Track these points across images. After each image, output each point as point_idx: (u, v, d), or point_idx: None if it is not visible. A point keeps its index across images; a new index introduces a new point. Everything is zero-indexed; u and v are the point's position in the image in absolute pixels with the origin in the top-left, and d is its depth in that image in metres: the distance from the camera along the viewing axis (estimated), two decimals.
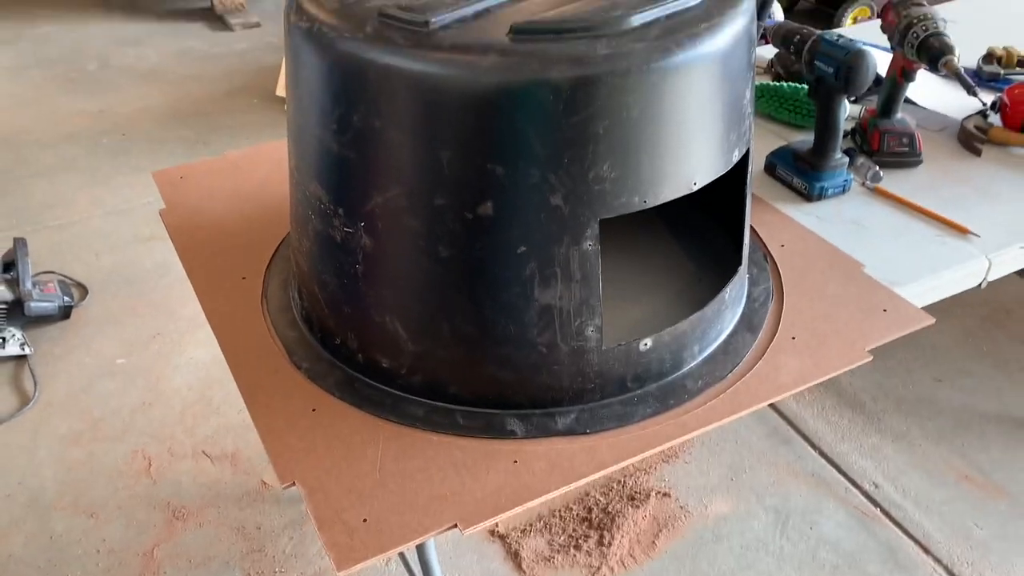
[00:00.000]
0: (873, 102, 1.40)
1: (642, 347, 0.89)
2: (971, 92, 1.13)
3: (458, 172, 0.79)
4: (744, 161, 0.92)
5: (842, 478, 1.78)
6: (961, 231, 1.19)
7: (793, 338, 0.99)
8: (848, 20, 3.43)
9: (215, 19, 4.11)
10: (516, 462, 0.85)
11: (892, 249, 1.15)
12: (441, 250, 0.83)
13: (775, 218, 1.20)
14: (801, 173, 1.26)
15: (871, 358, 0.97)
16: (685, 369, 0.94)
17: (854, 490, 1.75)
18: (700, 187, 0.85)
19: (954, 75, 1.16)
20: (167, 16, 4.21)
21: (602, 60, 0.75)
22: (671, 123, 0.80)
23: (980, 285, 1.17)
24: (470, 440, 0.86)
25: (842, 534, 1.66)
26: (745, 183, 0.96)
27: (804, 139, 1.29)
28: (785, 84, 1.47)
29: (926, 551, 1.63)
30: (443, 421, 0.89)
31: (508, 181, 0.78)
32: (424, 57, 0.75)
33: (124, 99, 3.36)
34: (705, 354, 0.96)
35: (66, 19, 4.17)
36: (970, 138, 1.38)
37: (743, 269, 1.00)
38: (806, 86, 1.40)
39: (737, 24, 0.83)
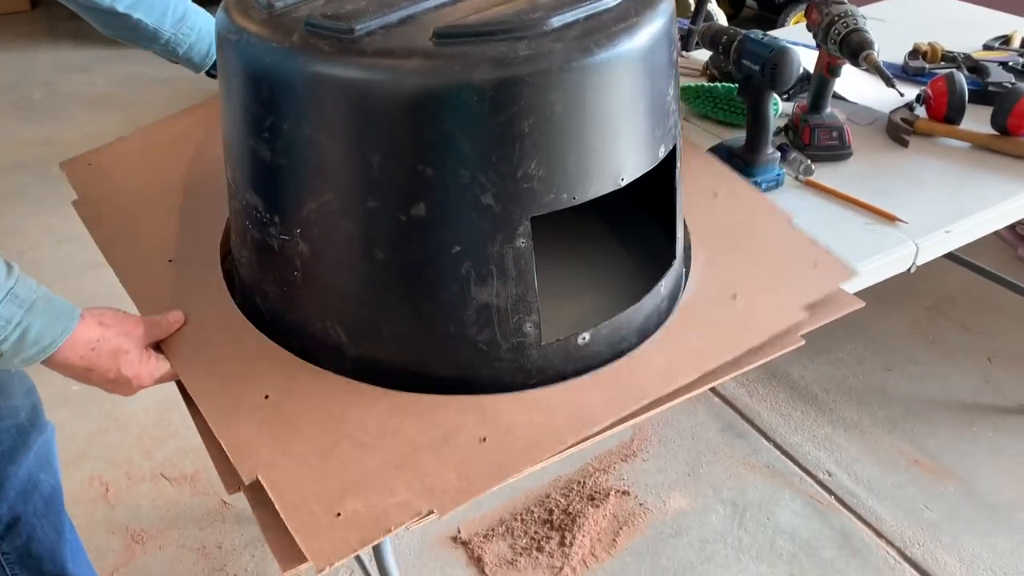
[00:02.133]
0: (805, 99, 1.45)
1: (580, 341, 0.91)
2: (889, 84, 1.17)
3: (389, 175, 0.81)
4: (672, 156, 0.95)
5: (797, 468, 1.82)
6: (889, 219, 1.23)
7: (734, 296, 1.01)
8: (790, 23, 3.52)
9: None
10: (484, 440, 0.85)
11: (824, 238, 1.18)
12: (377, 252, 0.84)
13: (706, 168, 1.23)
14: (736, 169, 1.29)
15: (808, 316, 0.99)
16: (625, 355, 0.96)
17: (808, 480, 1.79)
18: (628, 183, 0.88)
19: (874, 68, 1.20)
20: (115, 42, 4.17)
21: (523, 61, 0.77)
22: (595, 120, 0.83)
23: (909, 269, 1.21)
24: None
25: (798, 523, 1.69)
26: (675, 177, 0.98)
27: (739, 137, 1.33)
28: (719, 84, 1.51)
29: (879, 535, 1.67)
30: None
31: (439, 182, 0.80)
32: (349, 63, 0.77)
33: (73, 126, 3.34)
34: (645, 338, 0.98)
35: (11, 47, 4.14)
36: (897, 130, 1.43)
37: (678, 262, 1.02)
38: (735, 85, 1.44)
39: (655, 24, 0.86)
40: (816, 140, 1.36)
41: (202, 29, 1.23)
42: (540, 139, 0.80)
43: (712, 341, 0.96)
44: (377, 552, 1.09)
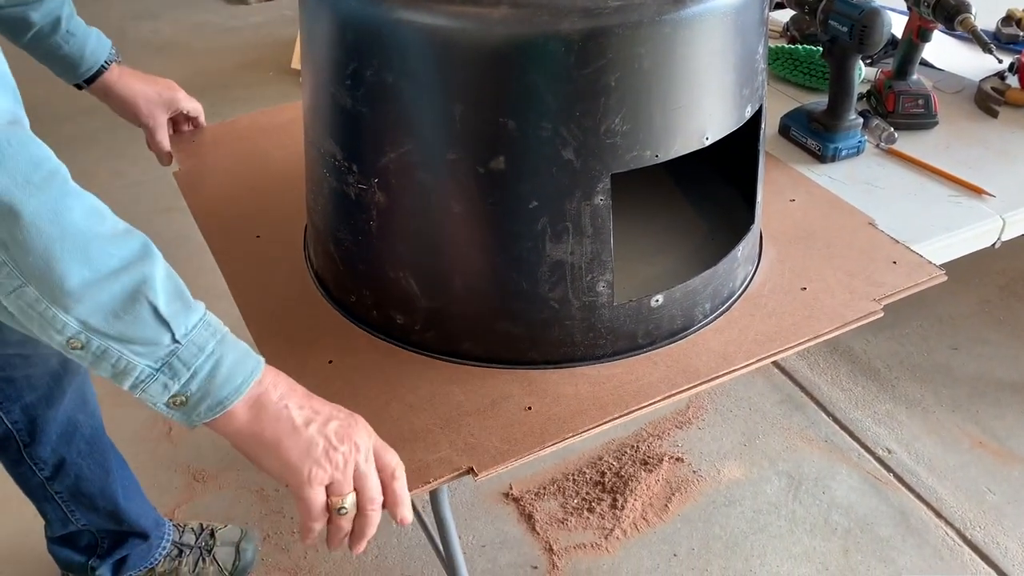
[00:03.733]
0: (889, 64, 1.39)
1: (653, 303, 0.90)
2: (987, 50, 1.12)
3: (470, 126, 0.80)
4: (757, 117, 0.92)
5: (855, 444, 1.79)
6: (976, 191, 1.18)
7: (803, 288, 1.00)
8: None
9: None
10: (530, 408, 0.86)
11: (905, 208, 1.15)
12: (454, 205, 0.84)
13: (785, 175, 1.21)
14: (815, 134, 1.25)
15: (882, 311, 0.97)
16: (697, 326, 0.95)
17: (867, 455, 1.76)
18: (712, 142, 0.85)
19: (970, 33, 1.15)
20: None
21: (613, 12, 0.75)
22: (682, 76, 0.80)
23: (994, 244, 1.16)
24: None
25: (854, 498, 1.67)
26: (758, 140, 0.96)
27: (818, 101, 1.29)
28: (800, 47, 1.46)
29: (938, 515, 1.64)
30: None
31: (520, 135, 0.79)
32: (434, 10, 0.76)
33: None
34: (717, 311, 0.97)
35: None
36: (987, 100, 1.37)
37: (756, 226, 1.00)
38: (821, 49, 1.39)
39: None
40: (900, 107, 1.32)
41: (87, 35, 1.18)
42: (626, 93, 0.78)
43: (777, 327, 0.95)
44: (435, 502, 1.10)
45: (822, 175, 1.22)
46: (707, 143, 0.85)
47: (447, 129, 0.80)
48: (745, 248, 0.98)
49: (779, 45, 1.50)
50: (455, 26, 0.76)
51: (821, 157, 1.24)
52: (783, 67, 1.47)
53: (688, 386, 0.88)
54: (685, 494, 1.70)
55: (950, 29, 1.19)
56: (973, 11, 1.17)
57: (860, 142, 1.25)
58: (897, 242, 1.07)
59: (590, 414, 0.85)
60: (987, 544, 1.58)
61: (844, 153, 1.24)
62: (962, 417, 1.83)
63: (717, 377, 0.89)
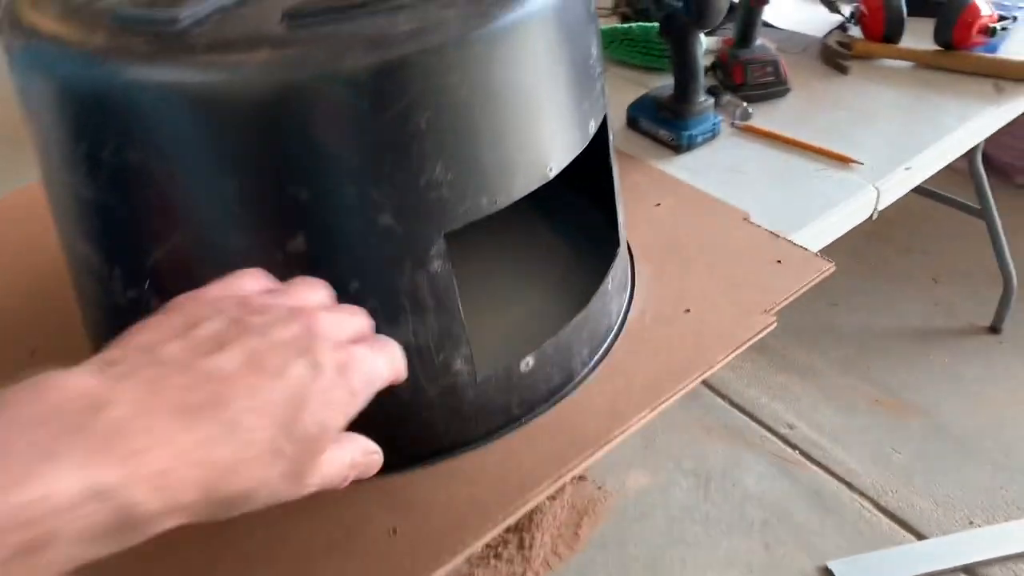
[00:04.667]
0: (729, 31, 1.29)
1: (523, 368, 0.75)
2: (833, 8, 1.02)
3: (253, 203, 0.62)
4: (603, 128, 0.78)
5: (756, 425, 1.72)
6: (843, 161, 1.09)
7: (687, 311, 0.88)
8: None
9: None
10: (395, 531, 0.70)
11: (775, 194, 1.05)
12: None
13: (645, 176, 1.08)
14: (665, 123, 1.13)
15: (775, 321, 0.87)
16: (577, 379, 0.81)
17: (770, 436, 1.69)
18: (557, 172, 0.71)
19: None
20: None
21: (407, 37, 0.58)
22: (510, 102, 0.65)
23: (871, 217, 1.08)
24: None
25: (765, 485, 1.59)
26: (608, 154, 0.82)
27: (664, 85, 1.17)
28: (634, 26, 1.34)
29: (850, 487, 1.58)
30: None
31: (319, 206, 0.62)
32: (176, 64, 0.57)
33: None
34: (596, 356, 0.83)
35: None
36: (834, 56, 1.29)
37: (623, 248, 0.87)
38: (657, 25, 1.27)
39: None
40: (750, 78, 1.21)
41: None
42: (443, 135, 0.62)
43: (666, 364, 0.82)
44: None
45: (681, 168, 1.10)
46: (552, 175, 0.70)
47: (224, 211, 0.62)
48: (616, 275, 0.84)
49: (611, 26, 1.38)
50: (206, 81, 0.57)
51: (676, 147, 1.13)
52: (619, 49, 1.35)
53: (579, 459, 0.74)
54: (594, 515, 1.58)
55: None
56: None
57: (715, 124, 1.14)
58: (777, 236, 0.96)
59: (470, 525, 0.70)
60: (902, 508, 1.53)
61: (700, 139, 1.13)
62: (855, 377, 1.79)
63: (610, 441, 0.76)
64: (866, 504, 1.54)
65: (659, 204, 1.03)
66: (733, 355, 0.84)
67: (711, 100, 1.13)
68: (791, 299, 0.90)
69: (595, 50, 0.75)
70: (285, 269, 0.64)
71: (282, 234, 0.62)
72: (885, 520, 1.51)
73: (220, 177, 0.60)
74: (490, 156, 0.65)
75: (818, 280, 0.92)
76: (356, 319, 0.49)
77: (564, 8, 0.68)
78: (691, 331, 0.85)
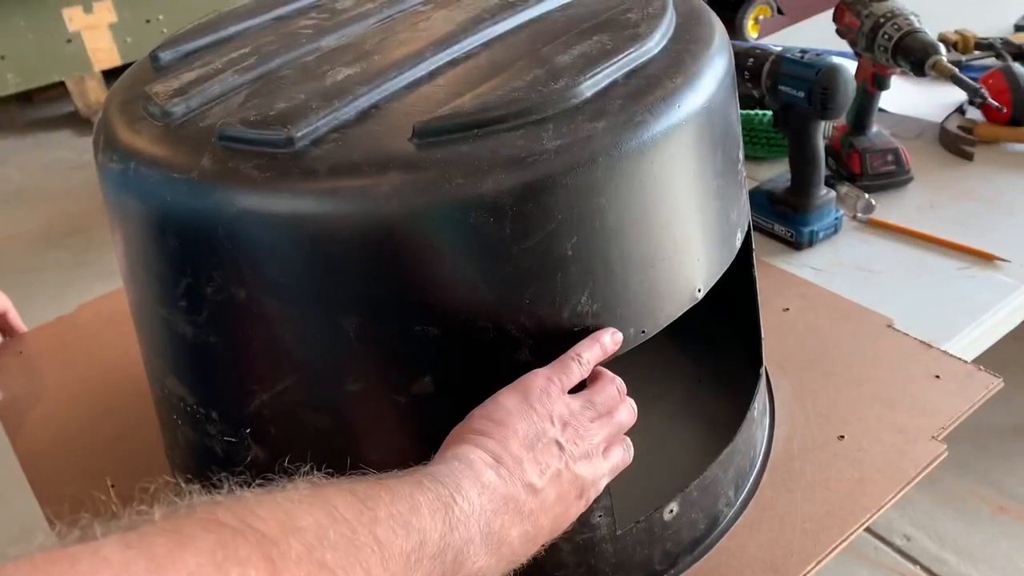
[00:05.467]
0: (839, 120, 1.20)
1: (667, 516, 0.65)
2: (976, 96, 0.93)
3: (374, 343, 0.54)
4: (747, 239, 0.70)
5: (869, 536, 1.57)
6: (987, 258, 0.99)
7: (841, 437, 0.77)
8: (749, 22, 3.32)
9: (82, 123, 3.77)
10: None
11: (916, 296, 0.94)
12: (368, 452, 0.57)
13: (767, 276, 0.98)
14: (782, 218, 1.04)
15: (945, 451, 0.76)
16: (723, 523, 0.70)
17: (885, 548, 1.54)
18: (705, 293, 0.62)
19: (948, 78, 0.96)
20: (28, 127, 3.86)
21: (554, 154, 0.51)
22: (661, 221, 0.57)
23: None
24: None
25: None
26: (751, 263, 0.73)
27: (776, 176, 1.08)
28: (748, 112, 1.26)
29: None
30: None
31: (448, 343, 0.54)
32: (294, 191, 0.51)
33: None
34: (743, 495, 0.72)
35: None
36: (957, 141, 1.20)
37: (764, 370, 0.77)
38: (764, 111, 1.20)
39: (717, 67, 0.61)
40: (869, 168, 1.12)
41: None
42: (590, 261, 0.54)
43: (825, 504, 0.72)
44: None
45: (803, 266, 1.01)
46: (700, 297, 0.61)
47: (341, 352, 0.54)
48: (758, 400, 0.74)
49: None
50: (327, 211, 0.50)
51: (796, 244, 1.03)
52: None
53: None
54: None
55: (918, 75, 1.01)
56: (943, 50, 0.98)
57: (837, 219, 1.05)
58: (930, 347, 0.86)
59: None
60: None
61: (822, 235, 1.04)
62: (973, 480, 1.64)
63: None
64: None
65: (787, 309, 0.93)
66: (901, 493, 0.73)
67: (832, 193, 1.04)
68: (959, 422, 0.79)
69: (741, 154, 0.67)
70: (409, 411, 0.56)
71: (406, 376, 0.54)
72: None
73: (339, 314, 0.53)
74: (639, 282, 0.57)
75: (985, 399, 0.81)
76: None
77: (715, 106, 0.60)
78: (849, 463, 0.75)
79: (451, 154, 0.50)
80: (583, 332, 0.55)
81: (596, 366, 0.54)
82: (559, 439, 0.50)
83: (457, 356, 0.54)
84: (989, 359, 0.90)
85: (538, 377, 0.52)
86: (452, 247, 0.51)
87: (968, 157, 1.18)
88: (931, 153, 1.21)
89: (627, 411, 0.55)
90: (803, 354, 0.86)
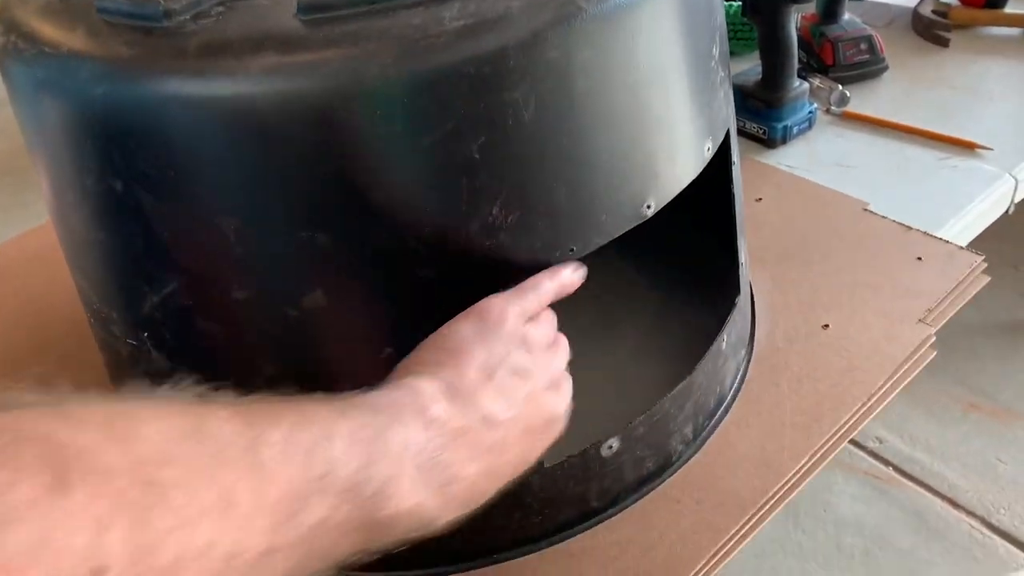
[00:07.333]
0: (808, 7, 1.12)
1: (605, 452, 0.59)
2: None
3: (257, 248, 0.47)
4: (725, 149, 0.61)
5: None
6: (968, 147, 0.92)
7: (825, 326, 0.73)
8: None
9: None
10: None
11: (897, 190, 0.89)
12: (263, 366, 0.52)
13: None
14: (754, 114, 0.97)
15: (934, 333, 0.73)
16: (677, 463, 0.64)
17: (859, 452, 1.52)
18: (657, 210, 0.54)
19: None
20: None
21: (454, 37, 0.43)
22: (592, 120, 0.49)
23: (1008, 211, 0.91)
24: None
25: (861, 510, 1.43)
26: (730, 176, 0.65)
27: (746, 70, 1.00)
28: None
29: (955, 505, 1.41)
30: None
31: (339, 254, 0.47)
32: (160, 71, 0.43)
33: None
34: (704, 431, 0.66)
35: None
36: (931, 27, 1.12)
37: (743, 298, 0.69)
38: (736, 2, 1.11)
39: None
40: (841, 58, 1.05)
41: None
42: (503, 166, 0.46)
43: (815, 394, 0.67)
44: None
45: (778, 164, 0.95)
46: (648, 214, 0.54)
47: (223, 256, 0.48)
48: (732, 332, 0.67)
49: None
50: (193, 97, 0.43)
51: (769, 141, 0.97)
52: None
53: (741, 526, 0.59)
54: None
55: None
56: None
57: (811, 113, 0.98)
58: (909, 228, 0.81)
59: None
60: (1017, 527, 1.36)
61: (796, 131, 0.97)
62: (944, 380, 1.61)
63: (770, 503, 0.61)
64: (976, 524, 1.37)
65: (760, 199, 0.87)
66: (894, 380, 0.68)
67: (805, 85, 0.96)
68: (947, 303, 0.74)
69: (717, 48, 0.58)
70: (298, 328, 0.49)
71: (294, 287, 0.48)
72: (1000, 542, 1.34)
73: (216, 215, 0.46)
74: (565, 194, 0.49)
75: (972, 280, 0.77)
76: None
77: None
78: (835, 352, 0.70)
79: (335, 33, 0.43)
80: (496, 249, 0.48)
81: None
82: (524, 365, 0.45)
83: (350, 269, 0.48)
84: None
85: (496, 300, 0.46)
86: (334, 143, 0.44)
87: (944, 43, 1.11)
88: (904, 40, 1.14)
89: (565, 344, 0.51)
90: (780, 244, 0.81)
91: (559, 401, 0.47)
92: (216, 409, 0.34)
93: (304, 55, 0.42)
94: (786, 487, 0.61)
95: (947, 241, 0.79)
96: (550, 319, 0.50)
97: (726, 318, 0.64)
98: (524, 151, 0.47)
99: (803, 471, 0.62)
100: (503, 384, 0.44)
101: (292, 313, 0.49)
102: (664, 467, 0.63)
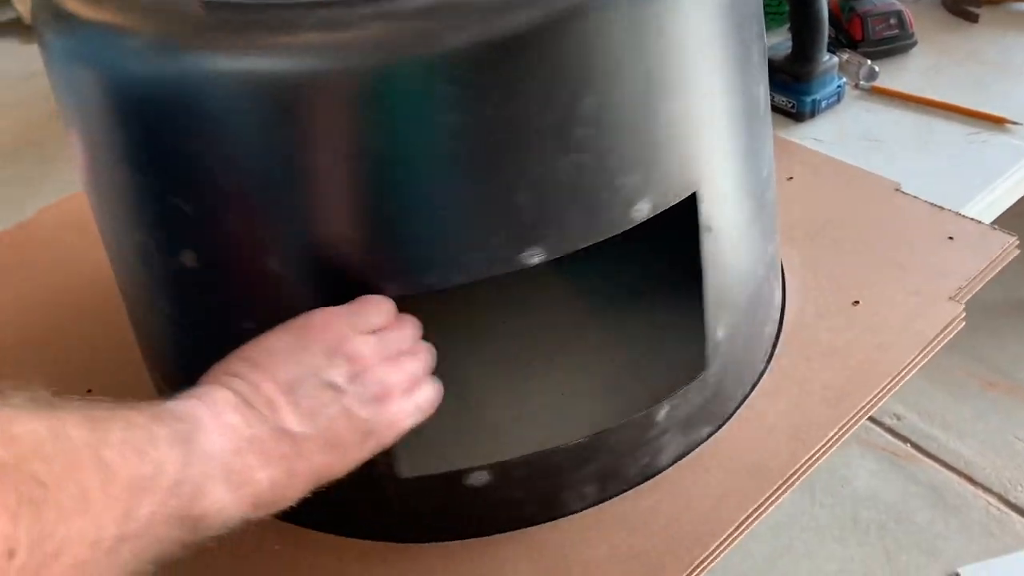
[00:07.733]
0: None
1: (473, 482, 0.57)
2: None
3: (144, 203, 0.53)
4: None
5: None
6: (998, 122, 0.94)
7: (855, 303, 0.73)
8: None
9: (26, 31, 3.57)
10: None
11: (926, 164, 0.90)
12: (159, 302, 0.52)
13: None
14: (783, 87, 0.98)
15: (964, 311, 0.73)
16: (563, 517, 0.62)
17: (877, 428, 1.54)
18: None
19: None
20: None
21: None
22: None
23: None
24: None
25: (878, 485, 1.44)
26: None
27: (776, 44, 1.01)
28: None
29: (972, 482, 1.43)
30: None
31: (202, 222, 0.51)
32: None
33: None
34: (614, 495, 0.64)
35: None
36: (960, 2, 1.13)
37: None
38: None
39: None
40: (871, 33, 1.06)
41: None
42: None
43: (844, 370, 0.68)
44: None
45: (805, 138, 0.96)
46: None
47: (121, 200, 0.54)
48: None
49: None
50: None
51: (798, 115, 0.98)
52: None
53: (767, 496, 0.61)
54: None
55: None
56: None
57: (839, 87, 0.99)
58: (941, 208, 0.82)
59: None
60: None
61: (824, 105, 0.98)
62: (961, 357, 1.63)
63: (797, 475, 0.62)
64: (992, 500, 1.39)
65: (791, 178, 0.88)
66: (923, 355, 0.70)
67: (835, 59, 0.97)
68: (978, 282, 0.75)
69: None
70: (179, 281, 0.54)
71: (168, 241, 0.52)
72: (1016, 518, 1.36)
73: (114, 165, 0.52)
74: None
75: (1004, 260, 0.78)
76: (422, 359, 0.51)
77: None
78: (866, 329, 0.71)
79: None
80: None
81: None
82: (335, 381, 0.45)
83: (214, 238, 0.51)
84: None
85: (319, 314, 0.48)
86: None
87: (973, 19, 1.12)
88: (933, 15, 1.15)
89: (425, 351, 0.51)
90: (810, 222, 0.82)
91: (385, 413, 0.47)
92: (66, 414, 0.37)
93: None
94: (813, 459, 0.63)
95: (979, 221, 0.80)
96: (405, 329, 0.50)
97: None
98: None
99: (830, 443, 0.63)
100: (306, 397, 0.45)
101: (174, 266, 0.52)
102: (547, 515, 0.61)
